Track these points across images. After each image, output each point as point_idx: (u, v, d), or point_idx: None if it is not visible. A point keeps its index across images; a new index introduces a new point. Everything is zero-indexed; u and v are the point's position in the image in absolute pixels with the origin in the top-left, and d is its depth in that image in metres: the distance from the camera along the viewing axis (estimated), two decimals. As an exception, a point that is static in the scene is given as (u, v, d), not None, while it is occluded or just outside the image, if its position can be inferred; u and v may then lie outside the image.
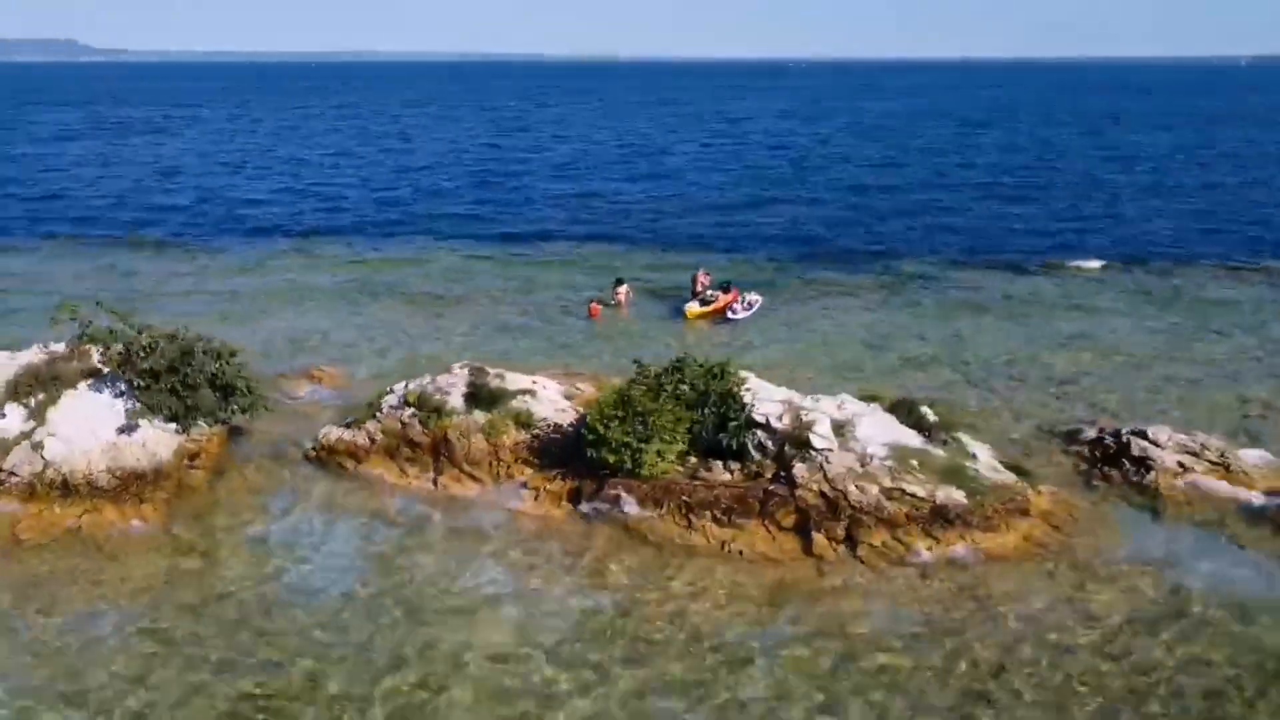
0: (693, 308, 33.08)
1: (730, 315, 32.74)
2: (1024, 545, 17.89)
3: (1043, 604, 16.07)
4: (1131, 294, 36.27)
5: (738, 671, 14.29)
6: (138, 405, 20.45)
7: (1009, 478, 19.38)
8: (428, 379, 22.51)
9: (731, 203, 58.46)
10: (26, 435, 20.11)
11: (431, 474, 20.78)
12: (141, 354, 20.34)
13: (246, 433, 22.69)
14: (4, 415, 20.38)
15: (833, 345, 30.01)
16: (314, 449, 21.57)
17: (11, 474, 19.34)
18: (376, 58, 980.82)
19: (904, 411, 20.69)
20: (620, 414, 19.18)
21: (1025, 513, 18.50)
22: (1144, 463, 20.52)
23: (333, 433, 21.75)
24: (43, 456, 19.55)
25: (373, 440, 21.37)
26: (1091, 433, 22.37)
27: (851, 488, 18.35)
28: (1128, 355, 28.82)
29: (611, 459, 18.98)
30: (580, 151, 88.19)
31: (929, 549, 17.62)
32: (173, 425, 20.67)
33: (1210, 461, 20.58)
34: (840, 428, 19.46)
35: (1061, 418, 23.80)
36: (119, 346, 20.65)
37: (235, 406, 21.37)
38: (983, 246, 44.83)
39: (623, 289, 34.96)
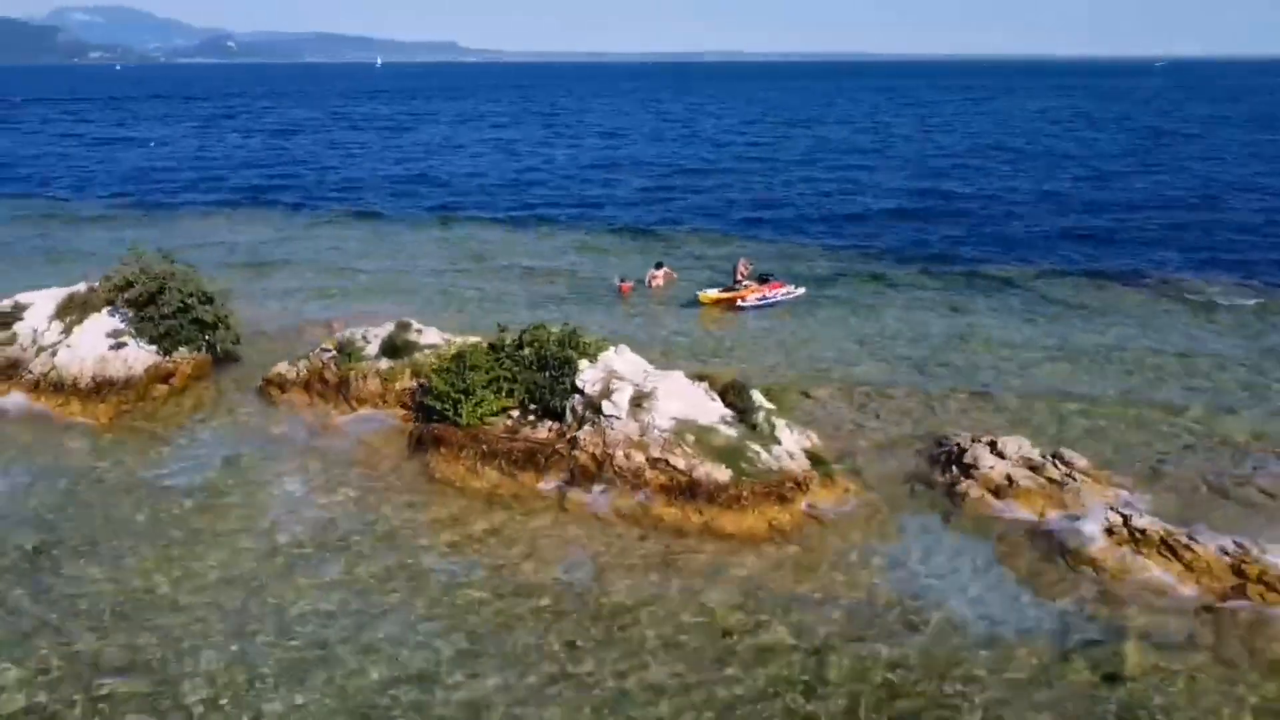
0: (708, 293, 34.07)
1: (742, 305, 33.36)
2: (763, 529, 18.20)
3: (713, 584, 16.52)
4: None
5: (411, 584, 16.28)
6: (130, 329, 25.49)
7: (799, 465, 19.51)
8: (362, 328, 25.91)
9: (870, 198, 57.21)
10: (54, 345, 25.79)
11: (332, 406, 24.15)
12: (127, 288, 25.29)
13: (239, 363, 27.12)
14: (48, 329, 26.19)
15: (816, 340, 29.92)
16: (263, 380, 25.63)
17: (28, 372, 24.99)
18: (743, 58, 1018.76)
19: (734, 393, 21.24)
20: (451, 368, 21.51)
21: (785, 499, 18.69)
22: (969, 471, 19.73)
23: (278, 367, 25.71)
24: (53, 361, 25.06)
25: (299, 376, 25.08)
26: (965, 439, 21.53)
27: (619, 453, 19.48)
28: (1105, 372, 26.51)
29: (438, 406, 21.35)
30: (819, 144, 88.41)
31: (665, 517, 18.42)
32: (153, 347, 25.48)
33: (1048, 479, 19.39)
34: (640, 400, 20.45)
35: (962, 422, 22.89)
36: (116, 280, 25.75)
37: (206, 338, 25.89)
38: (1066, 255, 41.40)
39: (661, 271, 36.60)
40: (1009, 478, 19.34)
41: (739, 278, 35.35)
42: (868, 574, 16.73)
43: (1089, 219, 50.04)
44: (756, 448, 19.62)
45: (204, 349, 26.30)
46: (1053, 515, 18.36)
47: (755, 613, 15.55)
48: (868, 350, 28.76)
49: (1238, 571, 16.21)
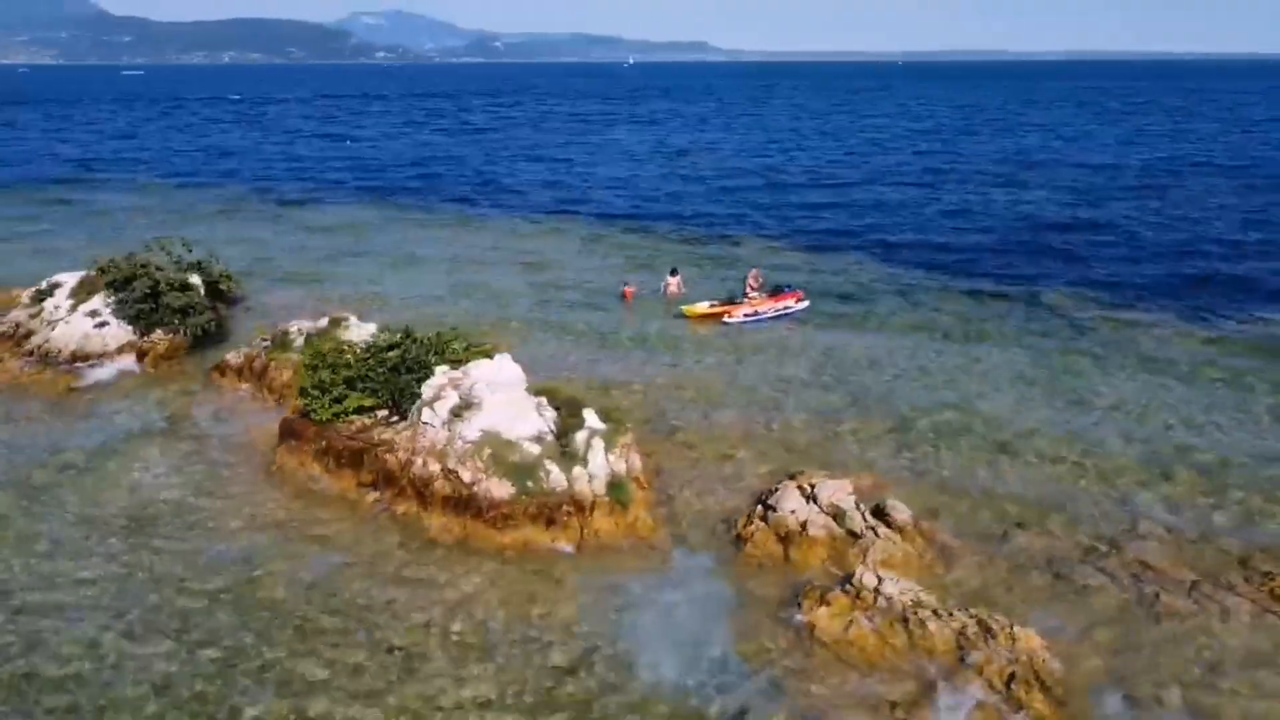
0: (695, 307, 33.36)
1: (727, 321, 32.41)
2: (515, 547, 18.00)
3: (416, 598, 16.56)
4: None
5: (140, 563, 17.51)
6: (112, 312, 28.45)
7: (592, 489, 19.05)
8: (303, 322, 27.57)
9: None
10: (57, 321, 29.20)
11: (253, 395, 25.89)
12: (107, 274, 28.23)
13: (219, 347, 29.57)
14: (61, 307, 29.68)
15: (764, 361, 28.68)
16: (211, 366, 27.85)
17: (27, 345, 28.47)
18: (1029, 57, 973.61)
19: (566, 410, 20.98)
20: (314, 365, 22.57)
21: (554, 522, 18.35)
22: (768, 514, 18.50)
23: (228, 355, 27.82)
24: (49, 335, 28.41)
25: (237, 364, 27.04)
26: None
27: (419, 460, 19.78)
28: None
29: (301, 400, 22.47)
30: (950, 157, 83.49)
31: (431, 527, 18.58)
32: (129, 328, 28.29)
33: (848, 531, 17.89)
34: (461, 410, 20.58)
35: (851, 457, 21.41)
36: (100, 267, 28.75)
37: (176, 321, 28.42)
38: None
39: (675, 279, 36.13)
40: (804, 525, 17.95)
41: (749, 290, 34.41)
42: (570, 609, 16.14)
43: None
44: (553, 467, 19.29)
45: (181, 332, 28.79)
46: (832, 570, 16.89)
47: (424, 637, 15.44)
48: (815, 375, 27.20)
49: (963, 659, 14.34)
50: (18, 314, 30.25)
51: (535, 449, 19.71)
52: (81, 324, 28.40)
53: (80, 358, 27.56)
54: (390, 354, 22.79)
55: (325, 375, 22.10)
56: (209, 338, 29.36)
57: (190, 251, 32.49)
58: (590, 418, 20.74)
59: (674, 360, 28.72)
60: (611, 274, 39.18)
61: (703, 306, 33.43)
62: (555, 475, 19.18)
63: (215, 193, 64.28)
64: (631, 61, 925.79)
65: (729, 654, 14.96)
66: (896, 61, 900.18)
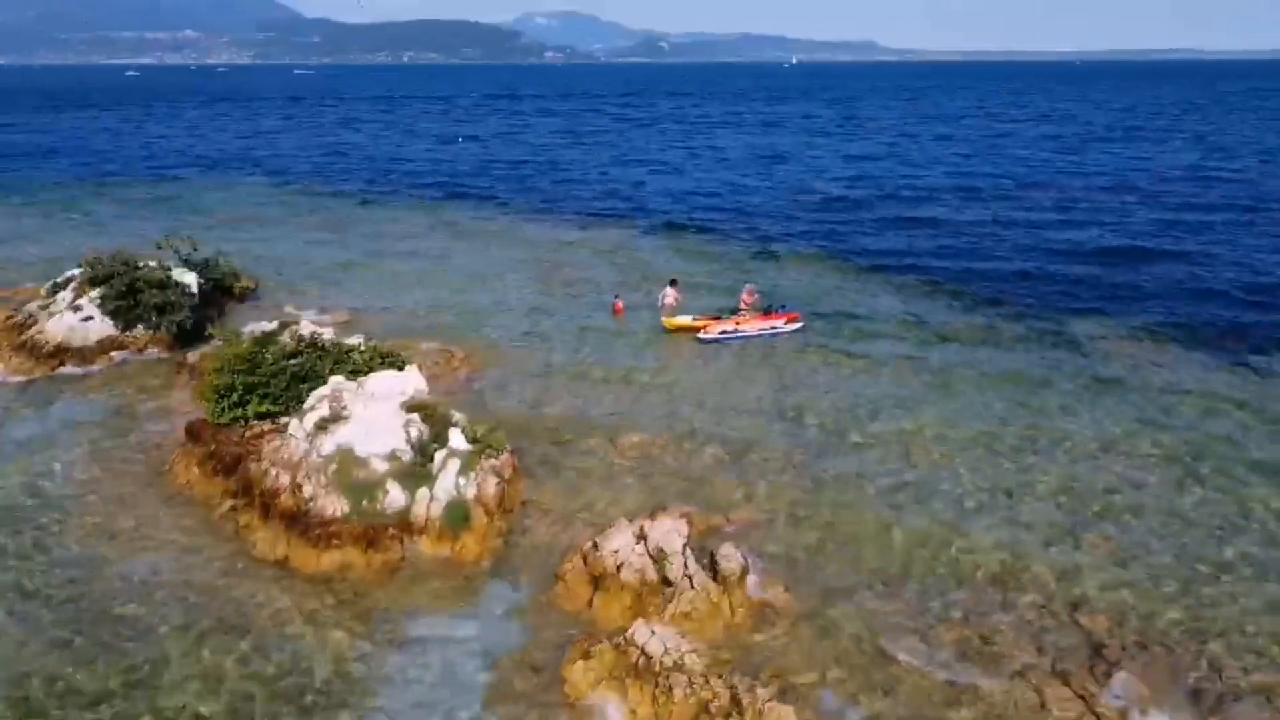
0: (677, 319, 32.27)
1: (702, 338, 31.19)
2: (330, 568, 17.75)
3: (218, 601, 16.51)
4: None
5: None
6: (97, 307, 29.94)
7: (427, 513, 18.61)
8: (262, 324, 28.25)
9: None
10: (57, 314, 30.95)
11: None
12: (89, 271, 29.68)
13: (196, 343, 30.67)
14: (63, 300, 31.48)
15: (712, 384, 27.41)
16: (175, 361, 28.85)
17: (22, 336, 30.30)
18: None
19: (437, 427, 20.62)
20: (219, 368, 23.00)
21: (374, 545, 18.00)
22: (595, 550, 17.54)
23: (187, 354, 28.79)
24: (44, 328, 30.15)
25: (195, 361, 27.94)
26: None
27: (273, 471, 19.80)
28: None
29: (201, 401, 22.98)
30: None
31: (260, 542, 18.55)
32: (110, 323, 29.70)
33: (661, 578, 16.75)
34: (327, 423, 20.47)
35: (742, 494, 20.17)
36: (86, 261, 30.24)
37: (154, 318, 29.63)
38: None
39: (672, 290, 34.99)
40: (619, 567, 16.90)
41: (742, 306, 33.09)
42: (336, 636, 15.70)
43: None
44: (395, 487, 18.95)
45: (160, 329, 30.00)
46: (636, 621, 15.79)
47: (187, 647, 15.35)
48: (756, 404, 25.76)
49: (698, 730, 13.10)
50: (33, 305, 32.22)
51: (384, 467, 19.40)
52: (69, 318, 29.97)
53: (64, 351, 29.08)
54: (292, 362, 22.98)
55: (228, 379, 22.43)
56: (201, 336, 30.26)
57: (195, 250, 33.89)
58: (455, 437, 20.27)
59: (625, 377, 27.81)
60: (634, 285, 38.34)
61: (684, 319, 32.31)
62: (394, 496, 18.83)
63: (296, 190, 66.98)
64: (795, 61, 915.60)
65: (475, 704, 14.19)
66: (1074, 61, 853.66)
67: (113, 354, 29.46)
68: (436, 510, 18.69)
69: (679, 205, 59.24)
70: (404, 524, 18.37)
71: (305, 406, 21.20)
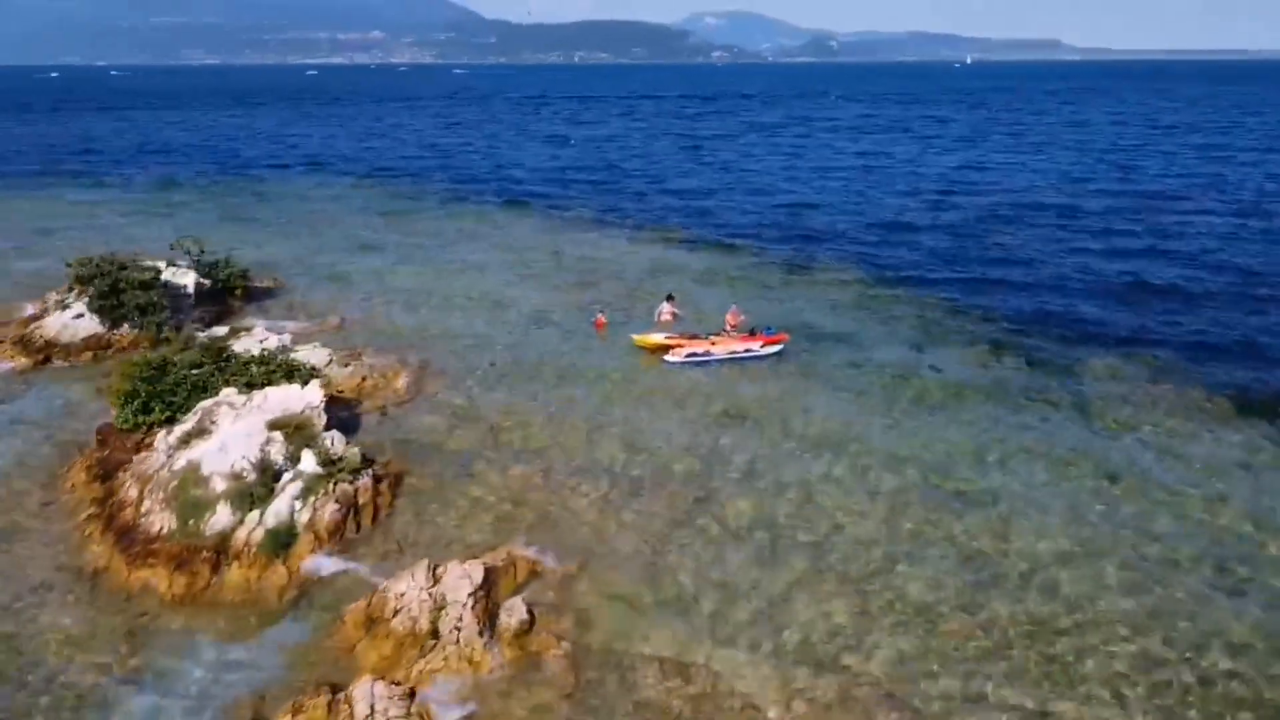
0: (648, 337, 30.94)
1: (667, 361, 29.77)
2: (133, 588, 17.66)
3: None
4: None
5: None
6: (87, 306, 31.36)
7: (249, 537, 18.32)
8: (219, 330, 28.83)
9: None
10: (59, 312, 32.64)
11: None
12: (77, 271, 31.05)
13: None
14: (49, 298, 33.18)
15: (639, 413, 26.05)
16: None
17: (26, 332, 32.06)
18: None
19: (300, 441, 20.39)
20: (128, 374, 23.53)
21: (183, 566, 17.82)
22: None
23: (161, 351, 29.67)
24: (43, 324, 31.78)
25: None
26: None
27: (128, 482, 19.99)
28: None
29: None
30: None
31: (92, 554, 18.70)
32: (95, 320, 31.03)
33: (430, 627, 15.83)
34: (191, 437, 20.52)
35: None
36: (78, 260, 31.59)
37: (136, 317, 30.75)
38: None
39: (668, 305, 33.63)
40: (396, 611, 16.07)
41: (727, 327, 31.53)
42: (82, 657, 15.52)
43: None
44: (225, 509, 18.74)
45: (142, 328, 31.13)
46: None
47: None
48: (673, 436, 24.29)
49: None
50: (53, 298, 34.07)
51: (222, 486, 19.24)
52: (63, 316, 31.48)
53: (51, 346, 30.54)
54: (194, 372, 23.23)
55: (131, 386, 22.89)
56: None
57: (203, 252, 35.07)
58: (306, 459, 19.93)
59: (563, 404, 26.72)
60: (645, 297, 37.24)
61: (657, 337, 30.94)
62: (221, 517, 18.64)
63: (378, 190, 68.76)
64: (969, 61, 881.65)
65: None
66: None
67: (98, 351, 30.68)
68: (259, 535, 18.35)
69: (732, 217, 57.34)
70: (222, 547, 18.10)
71: (183, 419, 21.35)
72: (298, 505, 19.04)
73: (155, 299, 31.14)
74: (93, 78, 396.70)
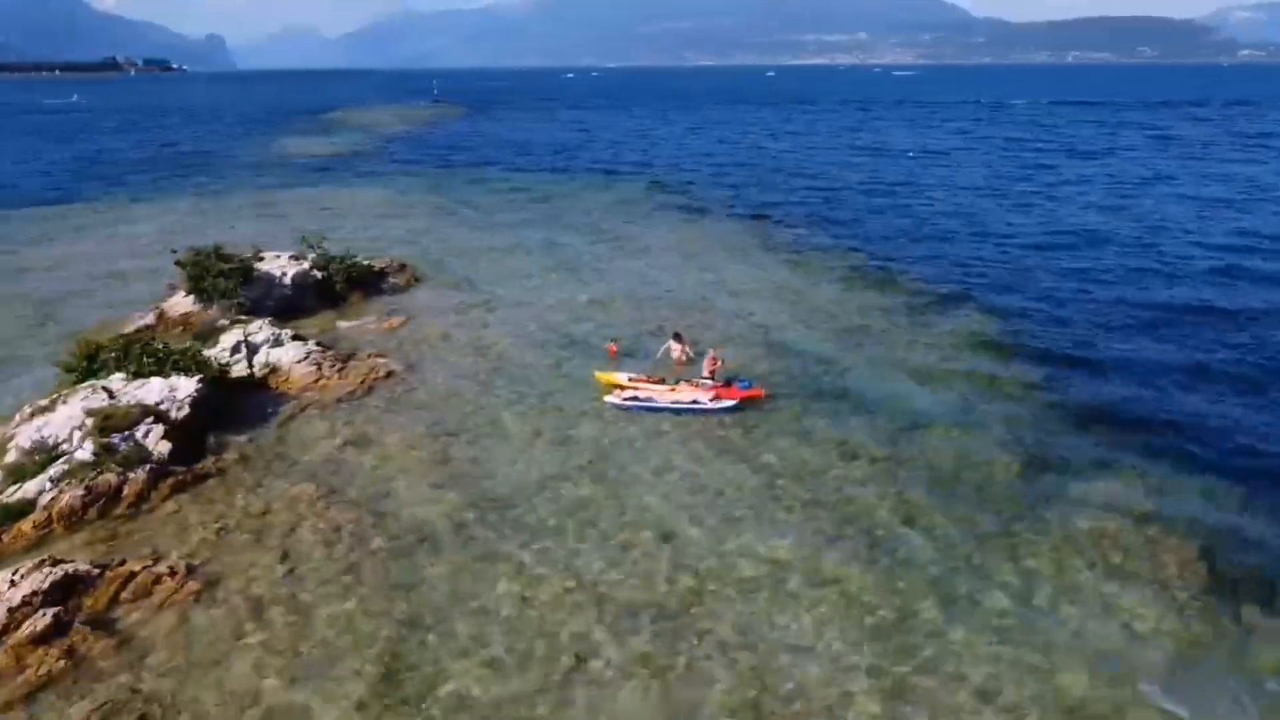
0: (607, 375, 28.92)
1: (609, 400, 27.61)
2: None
3: None
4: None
5: None
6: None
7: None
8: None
9: None
10: (195, 286, 38.57)
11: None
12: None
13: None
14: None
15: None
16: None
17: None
18: None
19: (99, 429, 22.60)
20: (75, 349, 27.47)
21: None
22: None
23: (214, 332, 33.98)
24: (171, 303, 37.75)
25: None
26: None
27: (-10, 437, 23.54)
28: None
29: (72, 378, 27.67)
30: None
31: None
32: (191, 299, 36.27)
33: None
34: (38, 413, 23.52)
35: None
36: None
37: (216, 298, 35.51)
38: None
39: (679, 346, 31.13)
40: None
41: (705, 374, 28.80)
42: None
43: None
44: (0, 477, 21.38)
45: (232, 307, 35.77)
46: None
47: None
48: (526, 486, 22.72)
49: None
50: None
51: (12, 458, 21.92)
52: (178, 295, 37.04)
53: (166, 318, 36.12)
54: (113, 355, 26.46)
55: (70, 361, 26.74)
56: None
57: (322, 247, 39.23)
58: (85, 447, 21.95)
59: (464, 436, 25.87)
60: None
61: (619, 376, 28.84)
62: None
63: (626, 190, 70.06)
64: None
65: None
66: None
67: (185, 325, 35.73)
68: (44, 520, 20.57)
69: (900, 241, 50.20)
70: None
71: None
72: (48, 485, 21.09)
73: (232, 285, 35.51)
74: (563, 82, 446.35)
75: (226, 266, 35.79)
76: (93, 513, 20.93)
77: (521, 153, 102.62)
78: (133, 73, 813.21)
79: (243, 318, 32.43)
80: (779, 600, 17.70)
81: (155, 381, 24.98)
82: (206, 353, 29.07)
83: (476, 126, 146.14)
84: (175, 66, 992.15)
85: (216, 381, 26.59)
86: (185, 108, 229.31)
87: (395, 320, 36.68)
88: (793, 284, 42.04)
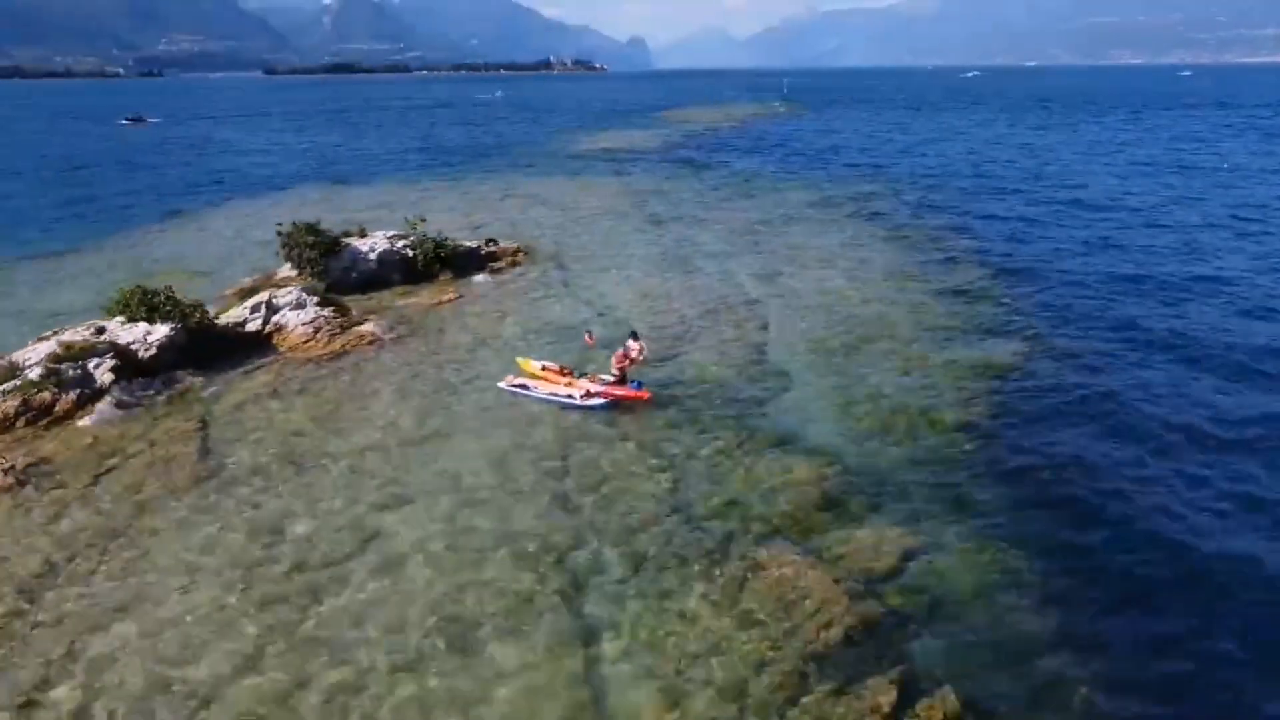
0: (528, 362, 29.86)
1: (500, 386, 28.68)
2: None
3: None
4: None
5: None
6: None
7: None
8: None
9: None
10: (313, 255, 44.78)
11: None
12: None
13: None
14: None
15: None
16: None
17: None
18: None
19: (66, 357, 28.19)
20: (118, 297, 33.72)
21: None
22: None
23: (284, 294, 39.54)
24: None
25: (260, 299, 38.74)
26: None
27: (28, 354, 30.08)
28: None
29: (120, 318, 34.07)
30: None
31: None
32: (289, 265, 42.17)
33: None
34: (40, 340, 29.60)
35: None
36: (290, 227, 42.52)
37: (307, 269, 41.12)
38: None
39: (635, 344, 31.15)
40: None
41: (614, 369, 28.83)
42: None
43: None
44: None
45: (313, 276, 41.25)
46: None
47: None
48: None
49: None
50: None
51: (-3, 371, 28.03)
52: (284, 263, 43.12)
53: (269, 280, 42.46)
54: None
55: (114, 308, 32.93)
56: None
57: (416, 228, 43.76)
58: (34, 370, 27.50)
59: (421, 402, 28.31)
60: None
61: (535, 365, 29.79)
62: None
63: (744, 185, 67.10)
64: None
65: None
66: None
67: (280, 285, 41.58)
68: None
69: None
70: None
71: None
72: (1, 396, 26.79)
73: (315, 255, 40.78)
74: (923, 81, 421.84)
75: (312, 239, 41.15)
76: (22, 421, 26.31)
77: (792, 154, 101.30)
78: (558, 72, 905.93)
79: (281, 280, 37.29)
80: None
81: (141, 325, 30.16)
82: (232, 310, 34.22)
83: (786, 126, 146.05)
84: (598, 66, 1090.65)
85: (195, 331, 31.26)
86: (565, 103, 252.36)
87: (447, 297, 39.95)
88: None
